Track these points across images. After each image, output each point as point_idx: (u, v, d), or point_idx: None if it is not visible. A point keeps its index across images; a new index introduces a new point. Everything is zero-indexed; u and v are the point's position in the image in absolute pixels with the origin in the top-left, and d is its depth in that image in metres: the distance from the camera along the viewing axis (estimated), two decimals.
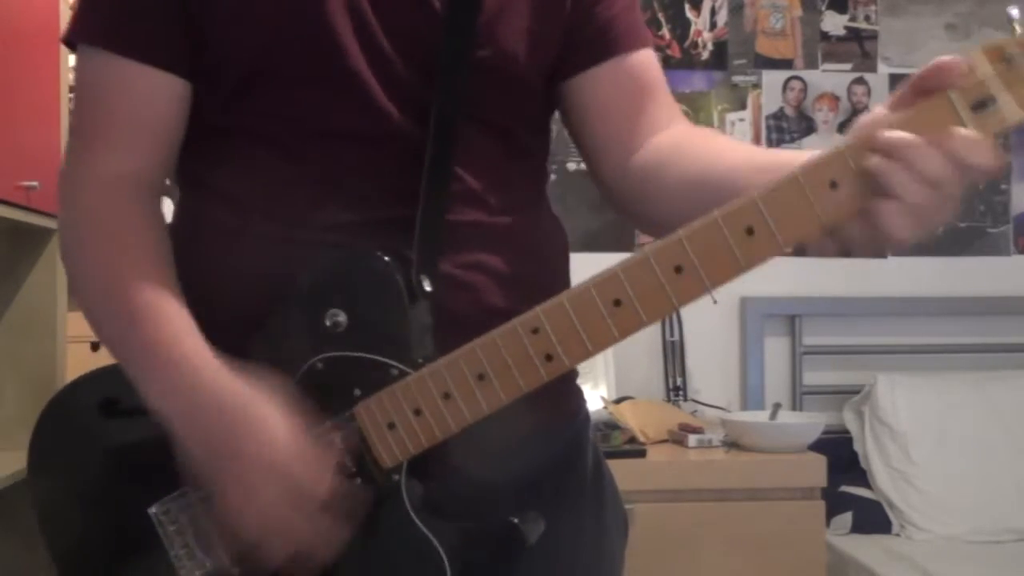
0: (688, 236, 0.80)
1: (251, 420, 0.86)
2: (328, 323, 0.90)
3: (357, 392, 0.89)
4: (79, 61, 0.99)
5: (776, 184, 0.77)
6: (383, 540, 0.90)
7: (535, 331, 0.84)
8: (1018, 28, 0.74)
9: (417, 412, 0.88)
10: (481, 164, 0.97)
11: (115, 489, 0.98)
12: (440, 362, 0.87)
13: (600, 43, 1.02)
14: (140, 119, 0.96)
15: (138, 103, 0.96)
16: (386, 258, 0.90)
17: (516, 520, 0.89)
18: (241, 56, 0.94)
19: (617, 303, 0.82)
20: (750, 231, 0.78)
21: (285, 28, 0.92)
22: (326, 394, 0.90)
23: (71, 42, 0.99)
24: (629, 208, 1.04)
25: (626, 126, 1.02)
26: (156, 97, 0.96)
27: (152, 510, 0.94)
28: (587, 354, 0.84)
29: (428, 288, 0.90)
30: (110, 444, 0.99)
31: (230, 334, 0.91)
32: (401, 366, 0.89)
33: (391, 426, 0.89)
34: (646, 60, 1.04)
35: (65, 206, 0.98)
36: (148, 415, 0.89)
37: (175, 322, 0.90)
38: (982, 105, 0.74)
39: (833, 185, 0.76)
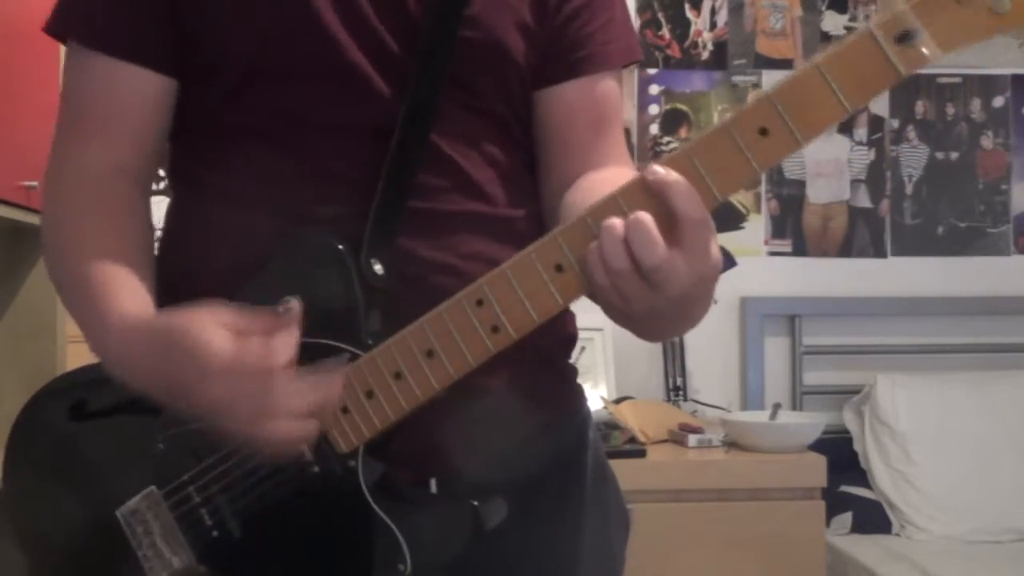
0: (622, 194, 0.79)
1: (184, 344, 0.82)
2: (281, 310, 0.89)
3: None
4: (66, 51, 0.99)
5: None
6: (341, 526, 0.89)
7: (480, 303, 0.83)
8: None
9: (369, 394, 0.87)
10: (482, 157, 0.97)
11: (84, 491, 0.97)
12: (389, 341, 0.86)
13: (569, 61, 1.01)
14: (120, 115, 0.96)
15: (117, 99, 0.96)
16: (337, 243, 0.90)
17: (476, 503, 0.89)
18: (236, 55, 0.93)
19: (559, 268, 0.81)
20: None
21: (277, 25, 0.92)
22: None
23: (53, 32, 0.98)
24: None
25: (575, 153, 1.01)
26: (136, 94, 0.96)
27: (119, 511, 0.94)
28: (532, 323, 0.82)
29: (379, 271, 0.90)
30: (80, 447, 0.98)
31: None
32: (354, 349, 0.88)
33: (345, 411, 0.88)
34: (609, 89, 1.03)
35: (45, 197, 0.98)
36: (115, 416, 0.88)
37: (121, 289, 0.89)
38: (907, 37, 0.73)
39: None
